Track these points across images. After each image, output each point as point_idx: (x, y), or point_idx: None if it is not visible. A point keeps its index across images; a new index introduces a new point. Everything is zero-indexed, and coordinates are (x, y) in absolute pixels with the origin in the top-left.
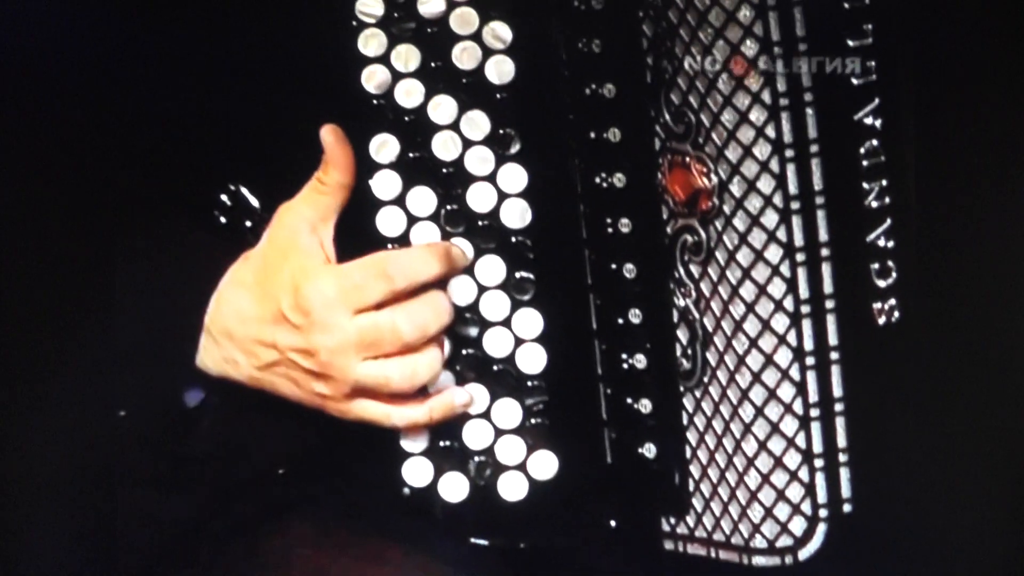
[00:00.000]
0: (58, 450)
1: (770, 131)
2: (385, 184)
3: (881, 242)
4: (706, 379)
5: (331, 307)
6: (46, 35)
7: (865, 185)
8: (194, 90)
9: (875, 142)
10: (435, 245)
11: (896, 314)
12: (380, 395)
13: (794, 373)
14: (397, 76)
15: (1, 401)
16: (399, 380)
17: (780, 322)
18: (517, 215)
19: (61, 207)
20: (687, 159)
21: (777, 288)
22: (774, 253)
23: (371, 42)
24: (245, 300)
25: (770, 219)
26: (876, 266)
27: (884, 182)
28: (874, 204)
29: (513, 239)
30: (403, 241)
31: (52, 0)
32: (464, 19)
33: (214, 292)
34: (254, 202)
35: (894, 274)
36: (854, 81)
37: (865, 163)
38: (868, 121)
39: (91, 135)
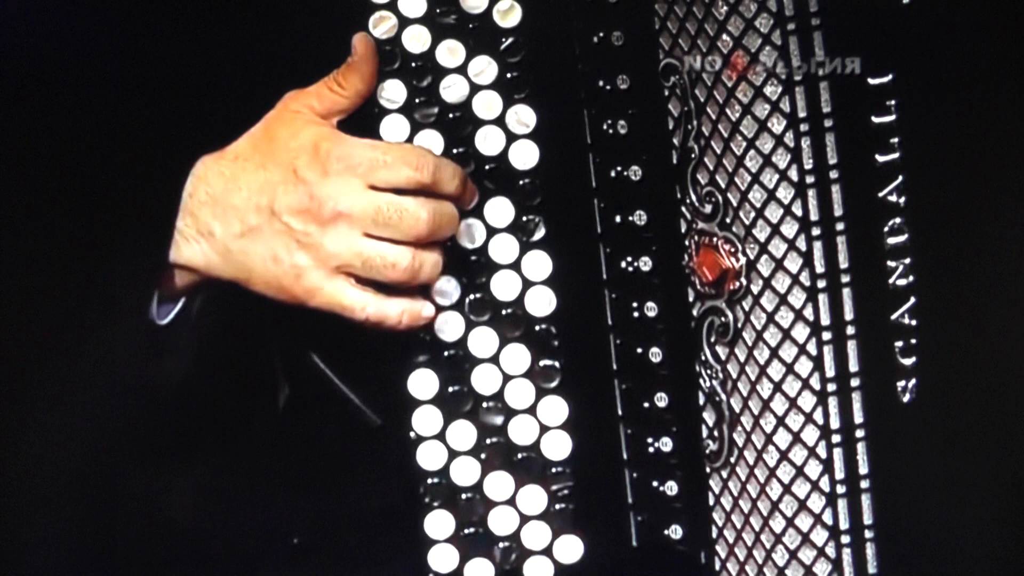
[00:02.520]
0: (57, 446)
1: (797, 209)
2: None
3: (905, 320)
4: (732, 459)
5: (353, 170)
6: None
7: (890, 263)
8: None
9: (899, 220)
10: (458, 167)
11: (919, 392)
12: (361, 282)
13: (821, 451)
14: None
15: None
16: (407, 266)
17: (807, 400)
18: (542, 303)
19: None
20: (715, 239)
21: (804, 366)
22: (801, 332)
23: (394, 128)
24: (239, 166)
25: (797, 298)
26: (900, 344)
27: (908, 260)
28: (899, 282)
29: (538, 327)
30: None
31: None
32: (487, 103)
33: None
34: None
35: (917, 352)
36: (878, 158)
37: (889, 241)
38: (892, 199)
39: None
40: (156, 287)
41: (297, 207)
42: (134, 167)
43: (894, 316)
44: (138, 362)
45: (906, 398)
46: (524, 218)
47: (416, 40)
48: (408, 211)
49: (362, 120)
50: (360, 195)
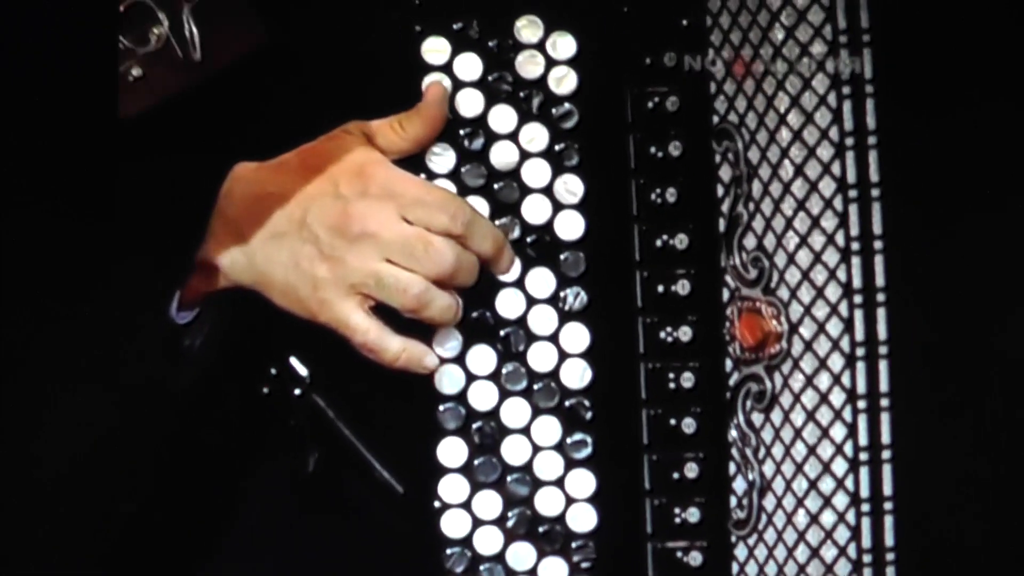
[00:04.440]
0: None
1: (841, 274)
2: (448, 342)
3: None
4: (760, 526)
5: (393, 198)
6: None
7: (926, 337)
8: None
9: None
10: (498, 230)
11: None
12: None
13: (850, 518)
14: None
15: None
16: (416, 295)
17: (839, 466)
18: (577, 376)
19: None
20: (757, 303)
21: (839, 432)
22: (838, 398)
23: None
24: (281, 175)
25: (836, 363)
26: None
27: (945, 334)
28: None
29: (571, 400)
30: None
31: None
32: (536, 171)
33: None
34: (303, 371)
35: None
36: (920, 230)
37: (926, 314)
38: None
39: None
40: (179, 285)
41: (328, 220)
42: (174, 167)
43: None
44: (154, 362)
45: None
46: (565, 290)
47: (469, 104)
48: (434, 247)
49: None
50: (392, 221)
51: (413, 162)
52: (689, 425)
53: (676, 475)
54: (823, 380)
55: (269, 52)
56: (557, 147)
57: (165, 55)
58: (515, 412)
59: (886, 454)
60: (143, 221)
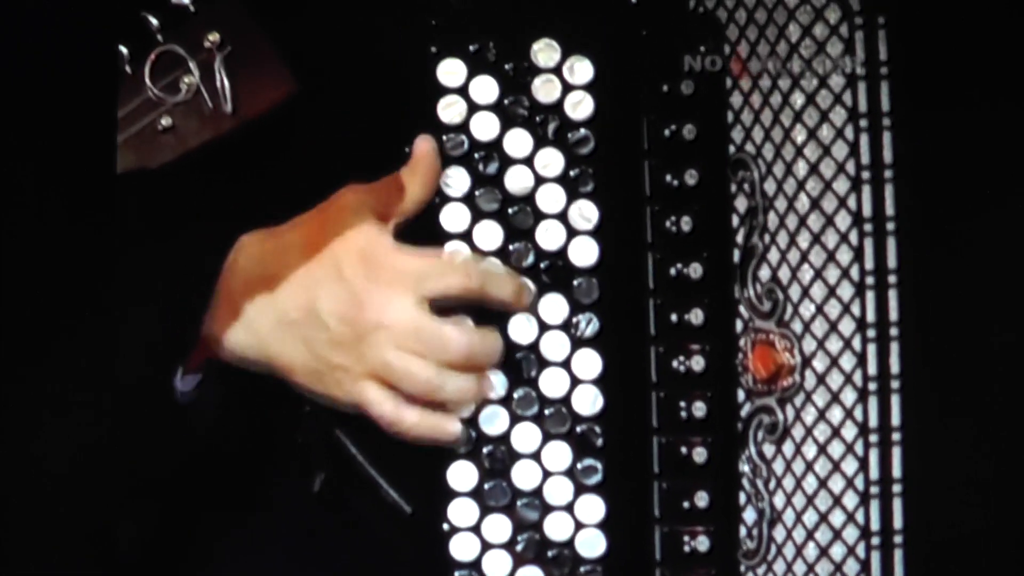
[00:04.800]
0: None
1: (855, 309)
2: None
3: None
4: (770, 556)
5: (401, 282)
6: None
7: (936, 373)
8: None
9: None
10: (512, 273)
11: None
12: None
13: (860, 551)
14: (478, 254)
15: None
16: (425, 381)
17: (850, 500)
18: (589, 402)
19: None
20: (771, 335)
21: (850, 466)
22: (849, 431)
23: (454, 216)
24: (284, 254)
25: (848, 397)
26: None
27: (958, 370)
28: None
29: (583, 426)
30: None
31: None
32: (551, 197)
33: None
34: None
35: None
36: (933, 265)
37: (937, 349)
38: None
39: None
40: (182, 360)
41: (339, 310)
42: (177, 234)
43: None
44: (156, 432)
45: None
46: (578, 316)
47: (484, 127)
48: (444, 334)
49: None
50: (404, 310)
51: None
52: (700, 454)
53: (686, 503)
54: (835, 414)
55: (298, 101)
56: (572, 173)
57: (195, 105)
58: (526, 437)
59: (897, 488)
60: (148, 290)
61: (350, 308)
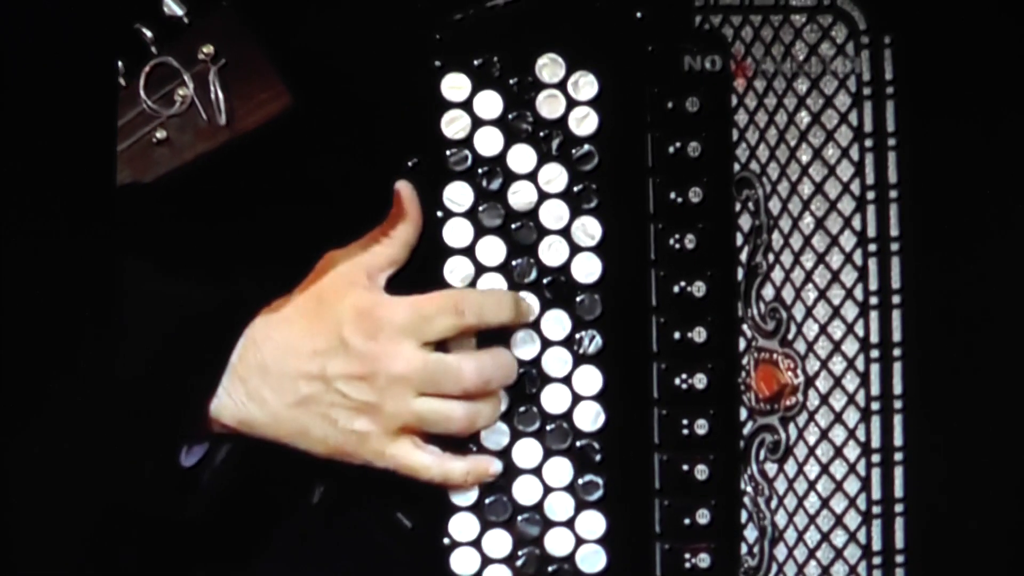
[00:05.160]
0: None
1: (859, 329)
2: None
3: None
4: (772, 574)
5: (400, 333)
6: None
7: (939, 393)
8: None
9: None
10: (506, 292)
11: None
12: (424, 441)
13: (862, 570)
14: (481, 270)
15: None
16: (460, 419)
17: (852, 519)
18: (590, 418)
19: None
20: (774, 355)
21: (852, 486)
22: (852, 451)
23: (457, 232)
24: (288, 333)
25: (851, 418)
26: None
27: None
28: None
29: (583, 442)
30: None
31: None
32: (555, 213)
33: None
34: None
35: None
36: (937, 286)
37: (941, 370)
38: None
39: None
40: (189, 438)
41: (350, 374)
42: (181, 306)
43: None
44: (161, 502)
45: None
46: (580, 332)
47: (488, 143)
48: (455, 367)
49: (425, 226)
50: (409, 357)
51: (430, 201)
52: (702, 472)
53: (687, 520)
54: (838, 433)
55: (295, 114)
56: (576, 189)
57: (189, 118)
58: (527, 452)
59: (899, 507)
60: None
61: (360, 369)
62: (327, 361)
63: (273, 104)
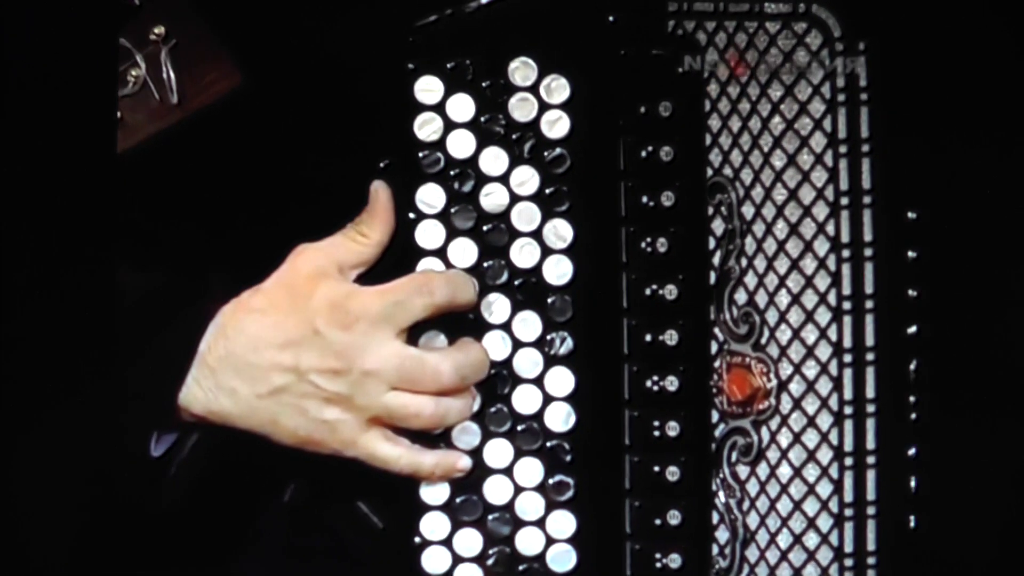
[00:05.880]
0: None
1: (832, 334)
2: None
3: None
4: (743, 575)
5: (375, 324)
6: None
7: (911, 398)
8: None
9: (923, 357)
10: (464, 273)
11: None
12: (394, 432)
13: (833, 572)
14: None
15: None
16: (430, 416)
17: (824, 522)
18: (561, 419)
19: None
20: (747, 359)
21: (825, 489)
22: (824, 455)
23: (429, 234)
24: (259, 323)
25: (824, 421)
26: (914, 478)
27: (929, 398)
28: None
29: (554, 442)
30: None
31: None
32: (526, 215)
33: (208, 324)
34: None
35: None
36: (910, 292)
37: (914, 375)
38: (920, 335)
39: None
40: (158, 428)
41: (323, 367)
42: (149, 300)
43: (911, 452)
44: (130, 492)
45: (915, 528)
46: (551, 334)
47: (460, 145)
48: (430, 364)
49: (397, 227)
50: (384, 351)
51: (403, 202)
52: (673, 473)
53: (658, 521)
54: (811, 437)
55: (249, 95)
56: (548, 191)
57: (142, 98)
58: (498, 452)
59: (871, 510)
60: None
61: (334, 362)
62: (300, 353)
63: (223, 82)
